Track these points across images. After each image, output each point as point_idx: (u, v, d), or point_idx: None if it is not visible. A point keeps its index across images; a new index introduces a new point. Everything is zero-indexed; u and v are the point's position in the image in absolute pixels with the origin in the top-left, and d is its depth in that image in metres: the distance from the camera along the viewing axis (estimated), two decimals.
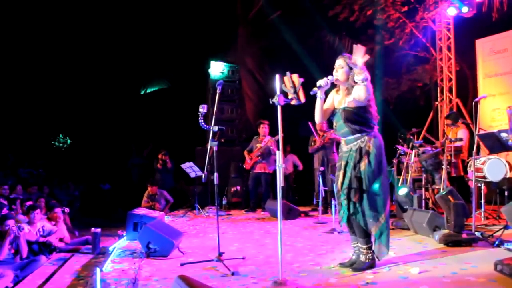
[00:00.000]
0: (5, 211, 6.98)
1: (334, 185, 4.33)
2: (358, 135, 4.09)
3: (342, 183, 4.13)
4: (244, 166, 9.46)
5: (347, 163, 4.13)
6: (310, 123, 8.59)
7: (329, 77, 4.09)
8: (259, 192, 9.51)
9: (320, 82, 4.05)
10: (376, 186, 4.03)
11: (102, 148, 14.45)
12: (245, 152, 9.46)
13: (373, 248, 4.15)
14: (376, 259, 4.18)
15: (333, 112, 4.30)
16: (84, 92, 14.56)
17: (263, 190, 9.37)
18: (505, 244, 4.76)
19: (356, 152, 4.07)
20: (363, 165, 4.03)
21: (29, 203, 7.65)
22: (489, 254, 4.54)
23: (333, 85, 4.24)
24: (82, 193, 12.33)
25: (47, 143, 14.28)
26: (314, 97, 4.19)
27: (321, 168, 7.96)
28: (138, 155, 12.14)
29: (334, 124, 4.29)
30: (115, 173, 13.50)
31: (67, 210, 7.75)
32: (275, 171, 9.26)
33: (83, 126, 14.68)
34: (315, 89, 4.06)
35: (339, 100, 4.23)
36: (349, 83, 4.12)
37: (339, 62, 4.14)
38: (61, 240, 6.86)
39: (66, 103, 14.56)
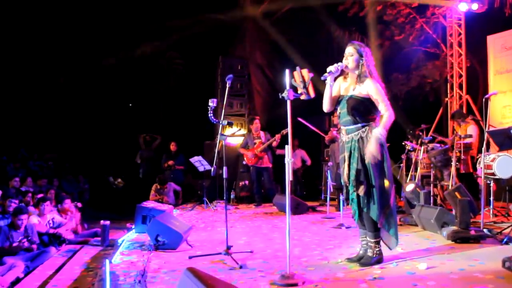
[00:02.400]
0: (17, 204, 7.04)
1: (342, 180, 4.33)
2: (360, 125, 4.09)
3: (349, 175, 4.13)
4: (247, 163, 9.42)
5: (350, 154, 4.13)
6: (300, 119, 8.50)
7: (339, 63, 4.10)
8: (263, 186, 9.53)
9: (331, 68, 4.06)
10: (380, 177, 4.04)
11: (111, 142, 14.52)
12: (242, 149, 9.40)
13: (384, 239, 4.17)
14: (388, 249, 4.21)
15: (338, 100, 4.29)
16: (95, 85, 14.63)
17: (267, 185, 9.40)
18: None
19: (357, 142, 4.07)
20: (366, 157, 4.03)
21: (40, 195, 7.73)
22: (497, 251, 4.53)
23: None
24: (91, 186, 12.42)
25: (57, 136, 14.37)
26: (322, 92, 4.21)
27: (330, 163, 7.96)
28: (147, 148, 12.17)
29: (338, 111, 4.27)
30: (123, 167, 13.57)
31: (79, 205, 7.77)
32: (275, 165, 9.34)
33: (92, 119, 14.75)
34: (325, 74, 4.06)
35: (346, 87, 4.22)
36: (359, 71, 4.12)
37: (349, 50, 4.15)
38: (75, 232, 6.95)
39: (76, 96, 14.65)
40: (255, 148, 9.23)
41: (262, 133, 9.36)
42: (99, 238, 6.17)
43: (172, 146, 11.11)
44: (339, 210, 6.77)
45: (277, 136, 8.98)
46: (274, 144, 9.16)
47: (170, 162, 10.83)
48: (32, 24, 13.38)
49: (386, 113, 4.03)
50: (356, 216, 4.18)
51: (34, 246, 5.84)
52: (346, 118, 4.14)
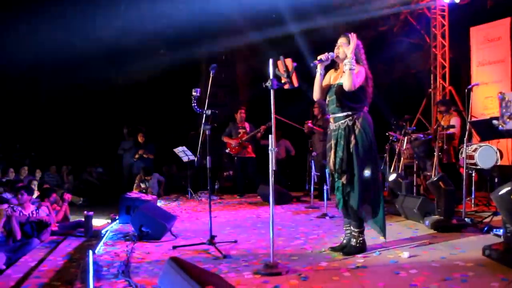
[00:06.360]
0: None
1: (326, 169, 4.36)
2: (347, 113, 4.11)
3: (335, 164, 4.15)
4: (230, 152, 9.44)
5: (337, 142, 4.15)
6: (277, 116, 8.51)
7: (330, 53, 4.13)
8: (247, 177, 9.56)
9: (321, 56, 4.08)
10: (366, 166, 4.07)
11: (94, 132, 14.35)
12: (226, 138, 9.41)
13: (372, 227, 4.23)
14: (371, 238, 4.26)
15: (328, 88, 4.29)
16: (77, 74, 14.40)
17: (251, 175, 9.44)
18: (494, 230, 4.83)
19: (344, 130, 4.10)
20: (351, 146, 4.05)
21: (20, 185, 7.60)
22: (478, 240, 4.61)
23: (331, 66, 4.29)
24: (74, 176, 12.29)
25: (39, 127, 14.17)
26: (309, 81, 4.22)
27: (314, 153, 7.98)
28: (129, 139, 12.03)
29: (327, 99, 4.29)
30: (107, 157, 13.45)
31: (68, 196, 7.65)
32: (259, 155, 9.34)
33: (75, 109, 14.54)
34: (315, 61, 4.08)
35: (335, 76, 4.25)
36: None
37: (341, 40, 4.18)
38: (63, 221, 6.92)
39: (59, 86, 14.42)
40: (240, 138, 9.26)
41: (246, 124, 9.41)
42: (82, 229, 6.10)
43: (140, 138, 10.90)
44: (323, 200, 6.80)
45: (262, 128, 9.03)
46: (259, 135, 9.20)
47: (141, 151, 10.69)
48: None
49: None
50: (341, 204, 4.21)
51: (18, 236, 5.78)
52: (334, 106, 4.17)
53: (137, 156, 10.67)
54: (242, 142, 9.25)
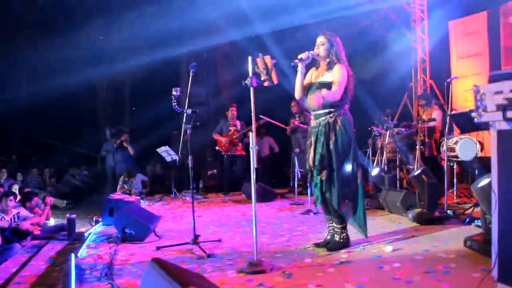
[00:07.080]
0: None
1: (307, 164, 4.36)
2: (327, 110, 4.12)
3: (314, 160, 4.17)
4: (220, 149, 9.45)
5: (317, 138, 4.16)
6: (262, 116, 8.58)
7: (311, 52, 4.13)
8: (234, 174, 9.56)
9: (301, 55, 4.09)
10: (345, 163, 4.08)
11: (77, 133, 14.20)
12: (217, 135, 9.46)
13: (354, 226, 4.26)
14: (356, 233, 4.29)
15: (309, 87, 4.30)
16: (58, 75, 14.22)
17: (241, 173, 9.43)
18: (475, 221, 4.89)
19: (324, 127, 4.11)
20: (331, 142, 4.07)
21: (1, 189, 7.49)
22: (460, 231, 4.67)
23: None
24: (58, 179, 12.14)
25: (19, 129, 13.98)
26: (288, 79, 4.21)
27: (297, 150, 8.00)
28: (112, 140, 11.92)
29: (308, 97, 4.30)
30: (89, 159, 13.32)
31: (51, 200, 7.54)
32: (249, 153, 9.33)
33: (56, 111, 14.37)
34: (295, 61, 4.09)
35: (316, 75, 4.27)
36: (329, 59, 4.16)
37: (321, 39, 4.21)
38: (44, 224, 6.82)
39: (39, 88, 14.22)
40: (230, 135, 9.27)
41: (237, 122, 9.43)
42: (65, 232, 6.03)
43: (124, 137, 10.78)
44: (307, 196, 6.82)
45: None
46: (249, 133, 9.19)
47: (123, 137, 10.59)
48: None
49: (333, 90, 4.06)
50: (319, 201, 4.24)
51: None
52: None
53: (118, 141, 10.60)
54: (232, 139, 9.28)
